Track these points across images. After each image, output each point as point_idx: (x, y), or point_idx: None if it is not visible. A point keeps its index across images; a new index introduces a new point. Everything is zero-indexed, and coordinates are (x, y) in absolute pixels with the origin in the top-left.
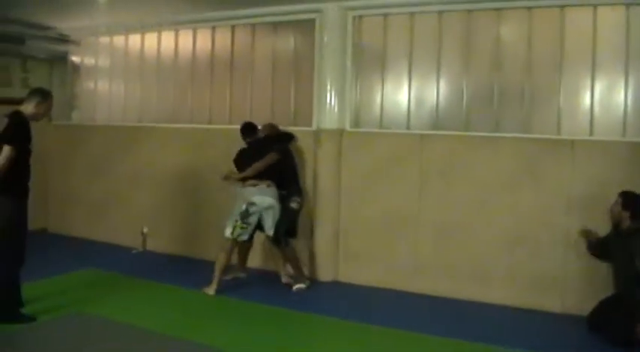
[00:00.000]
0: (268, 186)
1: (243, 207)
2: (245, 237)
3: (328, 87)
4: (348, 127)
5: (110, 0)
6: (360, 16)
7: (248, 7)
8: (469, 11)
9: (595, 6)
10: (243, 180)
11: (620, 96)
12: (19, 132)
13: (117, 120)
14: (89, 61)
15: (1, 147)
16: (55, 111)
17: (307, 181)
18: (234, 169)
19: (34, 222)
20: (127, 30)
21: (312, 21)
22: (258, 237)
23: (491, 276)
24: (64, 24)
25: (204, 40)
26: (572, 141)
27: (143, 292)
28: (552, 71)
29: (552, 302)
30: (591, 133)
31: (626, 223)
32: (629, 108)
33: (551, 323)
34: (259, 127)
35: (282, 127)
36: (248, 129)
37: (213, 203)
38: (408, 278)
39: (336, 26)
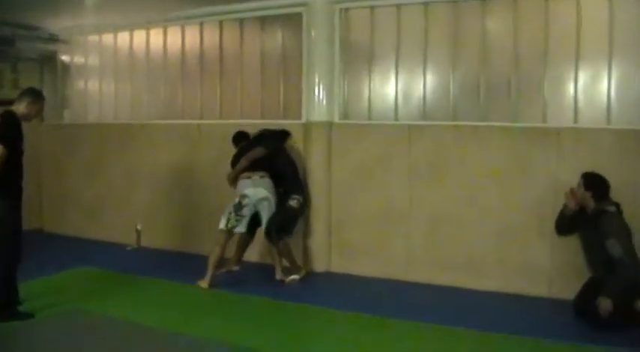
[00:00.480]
0: (261, 177)
1: (237, 200)
2: (240, 229)
3: (317, 80)
4: (337, 119)
5: None
6: (347, 9)
7: (235, 2)
8: (455, 2)
9: None
10: (236, 177)
11: (603, 86)
12: (10, 131)
13: (108, 119)
14: (79, 60)
15: None
16: (46, 111)
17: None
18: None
19: (28, 223)
20: (116, 28)
21: (299, 15)
22: (260, 232)
23: (481, 264)
24: (53, 24)
25: (192, 36)
26: (558, 130)
27: (139, 288)
28: (537, 61)
29: (540, 289)
30: (576, 122)
31: (591, 204)
32: (612, 97)
33: (539, 309)
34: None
35: (272, 121)
36: (238, 137)
37: (206, 197)
38: (401, 268)
39: (323, 19)
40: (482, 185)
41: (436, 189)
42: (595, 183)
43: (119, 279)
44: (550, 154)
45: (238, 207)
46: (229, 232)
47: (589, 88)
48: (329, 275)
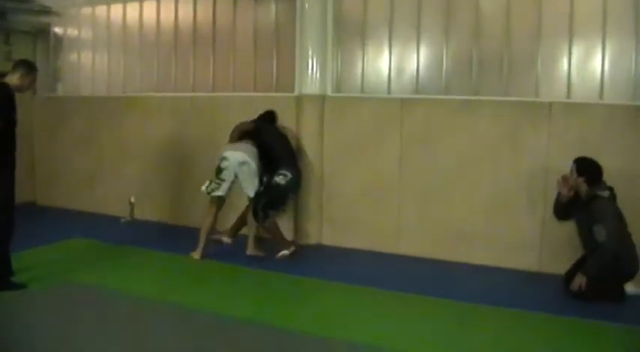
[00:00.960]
0: (245, 143)
1: (217, 162)
2: (219, 193)
3: (310, 53)
4: (329, 93)
5: None
6: None
7: None
8: None
9: None
10: None
11: (597, 61)
12: (3, 102)
13: (101, 91)
14: (72, 32)
15: None
16: (39, 84)
17: None
18: None
19: (21, 195)
20: (109, 1)
21: None
22: None
23: (472, 237)
24: None
25: (186, 9)
26: (550, 104)
27: (132, 259)
28: (531, 36)
29: (530, 262)
30: (569, 96)
31: (584, 189)
32: (605, 72)
33: (527, 282)
34: None
35: (264, 94)
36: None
37: (199, 170)
38: (392, 241)
39: None
40: (473, 159)
41: (427, 162)
42: (587, 167)
43: (112, 251)
44: (541, 129)
45: (218, 170)
46: (218, 201)
47: (582, 64)
48: (320, 248)
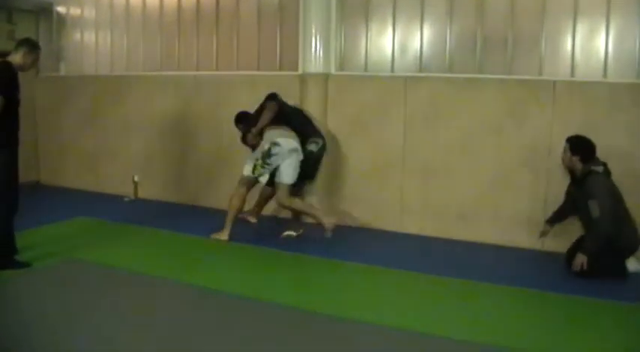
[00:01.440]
0: (285, 129)
1: (266, 146)
2: (265, 179)
3: (313, 31)
4: (333, 71)
5: None
6: None
7: None
8: None
9: None
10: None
11: (601, 39)
12: (6, 81)
13: (105, 70)
14: (75, 11)
15: None
16: (42, 63)
17: None
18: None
19: (25, 175)
20: None
21: None
22: None
23: (475, 216)
24: None
25: None
26: (554, 82)
27: (136, 238)
28: (535, 15)
29: (532, 241)
30: (573, 75)
31: (579, 167)
32: (609, 51)
33: (531, 261)
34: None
35: (268, 72)
36: (240, 116)
37: (203, 149)
38: (395, 219)
39: None
40: (476, 136)
41: (431, 140)
42: (580, 145)
43: (116, 229)
44: (545, 107)
45: (267, 154)
46: (250, 184)
47: (586, 42)
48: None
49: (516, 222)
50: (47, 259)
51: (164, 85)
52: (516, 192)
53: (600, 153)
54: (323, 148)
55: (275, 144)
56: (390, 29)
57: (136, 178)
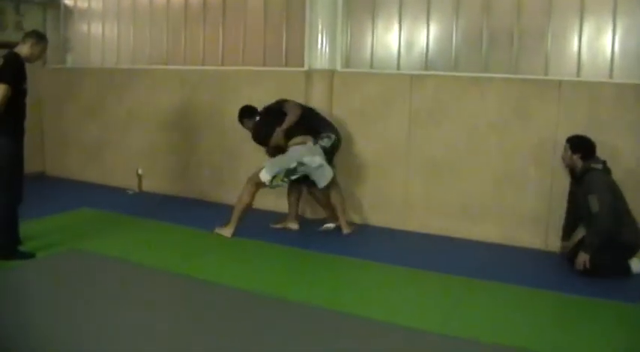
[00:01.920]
0: (314, 143)
1: (293, 165)
2: (278, 186)
3: (320, 27)
4: (339, 68)
5: None
6: None
7: None
8: None
9: None
10: (287, 136)
11: (607, 39)
12: (13, 71)
13: (111, 63)
14: (82, 3)
15: None
16: (49, 55)
17: None
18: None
19: (31, 166)
20: None
21: None
22: None
23: (479, 214)
24: None
25: None
26: (560, 82)
27: (140, 230)
28: (541, 13)
29: (537, 240)
30: (578, 75)
31: (579, 165)
32: (616, 51)
33: (535, 259)
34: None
35: (274, 68)
36: (246, 111)
37: (207, 143)
38: (399, 216)
39: None
40: (482, 135)
41: (436, 139)
42: (581, 144)
43: (120, 221)
44: (550, 106)
45: (292, 172)
46: (262, 185)
47: (592, 42)
48: (325, 222)
49: (521, 221)
50: (50, 249)
51: (170, 79)
52: (521, 191)
53: (605, 153)
54: (337, 142)
55: (302, 164)
56: (396, 26)
57: (140, 171)
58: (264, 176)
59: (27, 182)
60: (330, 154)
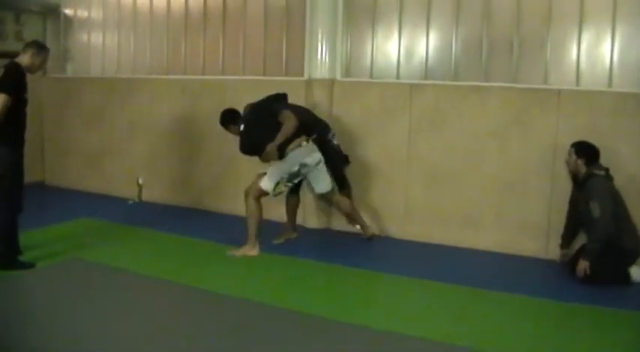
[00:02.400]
0: (307, 141)
1: (295, 168)
2: (281, 193)
3: (319, 37)
4: (339, 77)
5: None
6: None
7: None
8: None
9: None
10: (280, 148)
11: (606, 48)
12: (14, 81)
13: (111, 73)
14: (82, 13)
15: None
16: (49, 64)
17: None
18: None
19: (30, 175)
20: None
21: None
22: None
23: (479, 223)
24: None
25: None
26: (559, 91)
27: (140, 240)
28: (541, 22)
29: (538, 248)
30: (578, 84)
31: (582, 170)
32: (615, 60)
33: (536, 268)
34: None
35: (274, 78)
36: (231, 116)
37: (207, 153)
38: (399, 225)
39: None
40: (481, 144)
41: (436, 148)
42: (585, 149)
43: (120, 231)
44: (550, 115)
45: (296, 175)
46: (263, 193)
47: (592, 51)
48: (328, 233)
49: (521, 229)
50: (51, 259)
51: (170, 89)
52: (521, 199)
53: (605, 162)
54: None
55: (305, 165)
56: (395, 35)
57: (140, 181)
58: (267, 185)
59: (27, 191)
60: (339, 154)
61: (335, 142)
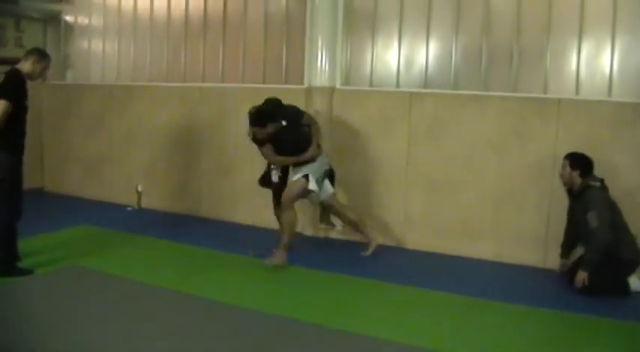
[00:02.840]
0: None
1: (327, 167)
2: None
3: (319, 45)
4: (338, 85)
5: None
6: None
7: None
8: None
9: None
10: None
11: (606, 58)
12: (14, 88)
13: (111, 80)
14: (83, 20)
15: None
16: (49, 71)
17: None
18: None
19: (30, 182)
20: None
21: None
22: None
23: (478, 232)
24: None
25: None
26: (559, 100)
27: (139, 247)
28: (540, 32)
29: (536, 258)
30: (577, 93)
31: (578, 182)
32: (614, 69)
33: (534, 278)
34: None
35: (274, 86)
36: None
37: (206, 160)
38: (398, 234)
39: None
40: (481, 153)
41: (435, 157)
42: (579, 160)
43: (119, 238)
44: (550, 125)
45: (322, 177)
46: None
47: (591, 60)
48: (325, 240)
49: (520, 239)
50: (49, 266)
51: (170, 96)
52: (520, 208)
53: (604, 172)
54: None
55: (327, 167)
56: (395, 43)
57: (139, 188)
58: (314, 185)
59: (26, 198)
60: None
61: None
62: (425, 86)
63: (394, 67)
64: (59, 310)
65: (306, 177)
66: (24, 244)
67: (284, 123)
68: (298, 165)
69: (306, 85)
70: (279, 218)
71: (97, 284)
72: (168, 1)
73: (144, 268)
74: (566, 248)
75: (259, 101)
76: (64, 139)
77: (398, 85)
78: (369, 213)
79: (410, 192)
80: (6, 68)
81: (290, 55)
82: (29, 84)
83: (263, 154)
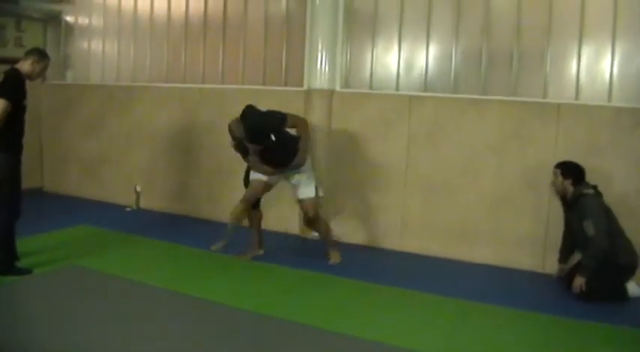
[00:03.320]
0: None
1: (315, 173)
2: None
3: (319, 47)
4: (338, 88)
5: None
6: None
7: None
8: None
9: None
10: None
11: (606, 62)
12: (14, 87)
13: (111, 80)
14: (83, 20)
15: None
16: (49, 71)
17: None
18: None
19: (29, 181)
20: None
21: None
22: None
23: (476, 236)
24: None
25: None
26: (558, 105)
27: (137, 247)
28: (541, 36)
29: (534, 262)
30: (577, 98)
31: (570, 191)
32: (614, 74)
33: (532, 283)
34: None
35: (273, 87)
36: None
37: (205, 161)
38: (396, 237)
39: None
40: (480, 157)
41: (434, 160)
42: (572, 169)
43: (117, 238)
44: (549, 129)
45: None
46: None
47: (591, 65)
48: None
49: (518, 243)
50: (48, 266)
51: (169, 97)
52: (519, 212)
53: (602, 177)
54: None
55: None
56: (395, 47)
57: (138, 188)
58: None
59: (25, 198)
60: None
61: None
62: (425, 89)
63: (394, 69)
64: (58, 310)
65: (316, 189)
66: (23, 244)
67: (273, 138)
68: (294, 168)
69: (305, 87)
70: (250, 219)
71: (95, 284)
72: (168, 1)
73: (142, 268)
74: (565, 253)
75: (259, 103)
76: (64, 139)
77: (397, 88)
78: (367, 216)
79: (409, 196)
80: (6, 68)
81: (290, 57)
82: (28, 84)
83: (249, 164)
